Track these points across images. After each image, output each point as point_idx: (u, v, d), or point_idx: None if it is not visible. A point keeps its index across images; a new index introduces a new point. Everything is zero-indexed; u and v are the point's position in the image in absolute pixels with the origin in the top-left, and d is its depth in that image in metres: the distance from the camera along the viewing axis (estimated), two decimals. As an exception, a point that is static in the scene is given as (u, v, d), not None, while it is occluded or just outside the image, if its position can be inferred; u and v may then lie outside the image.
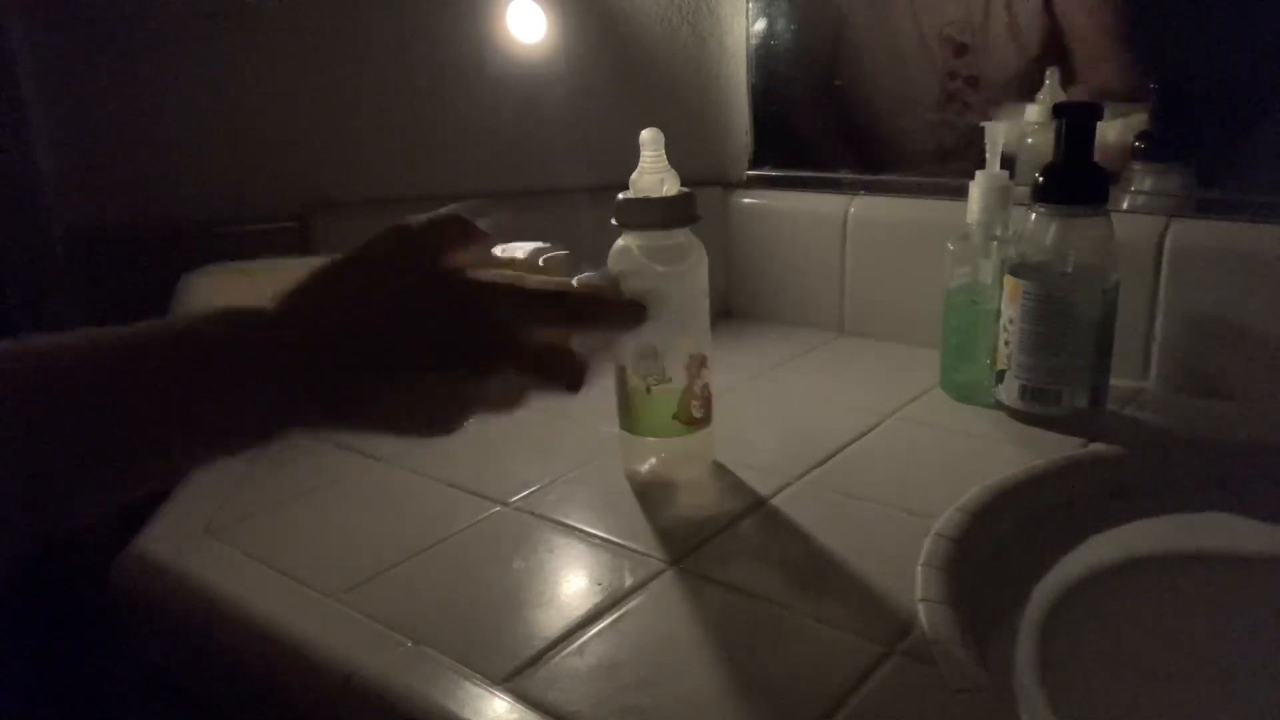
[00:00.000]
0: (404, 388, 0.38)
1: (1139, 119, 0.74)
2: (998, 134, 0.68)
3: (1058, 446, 0.63)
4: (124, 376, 0.34)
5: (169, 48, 0.78)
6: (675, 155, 0.58)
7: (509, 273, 0.45)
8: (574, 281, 0.47)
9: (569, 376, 0.41)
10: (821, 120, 0.94)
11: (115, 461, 0.34)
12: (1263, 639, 0.50)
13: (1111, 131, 0.73)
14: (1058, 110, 0.65)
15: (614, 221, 0.58)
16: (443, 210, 0.42)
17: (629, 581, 0.51)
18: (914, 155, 0.88)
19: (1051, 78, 0.77)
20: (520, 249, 0.48)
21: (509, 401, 0.41)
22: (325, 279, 0.39)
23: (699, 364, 0.59)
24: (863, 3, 0.89)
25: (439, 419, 0.40)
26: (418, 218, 0.41)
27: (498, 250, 0.46)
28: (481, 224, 0.42)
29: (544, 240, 0.50)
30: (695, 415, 0.60)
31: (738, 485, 0.61)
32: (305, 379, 0.36)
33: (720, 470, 0.63)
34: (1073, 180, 0.64)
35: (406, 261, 0.40)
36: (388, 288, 0.39)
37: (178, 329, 0.36)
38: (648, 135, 0.57)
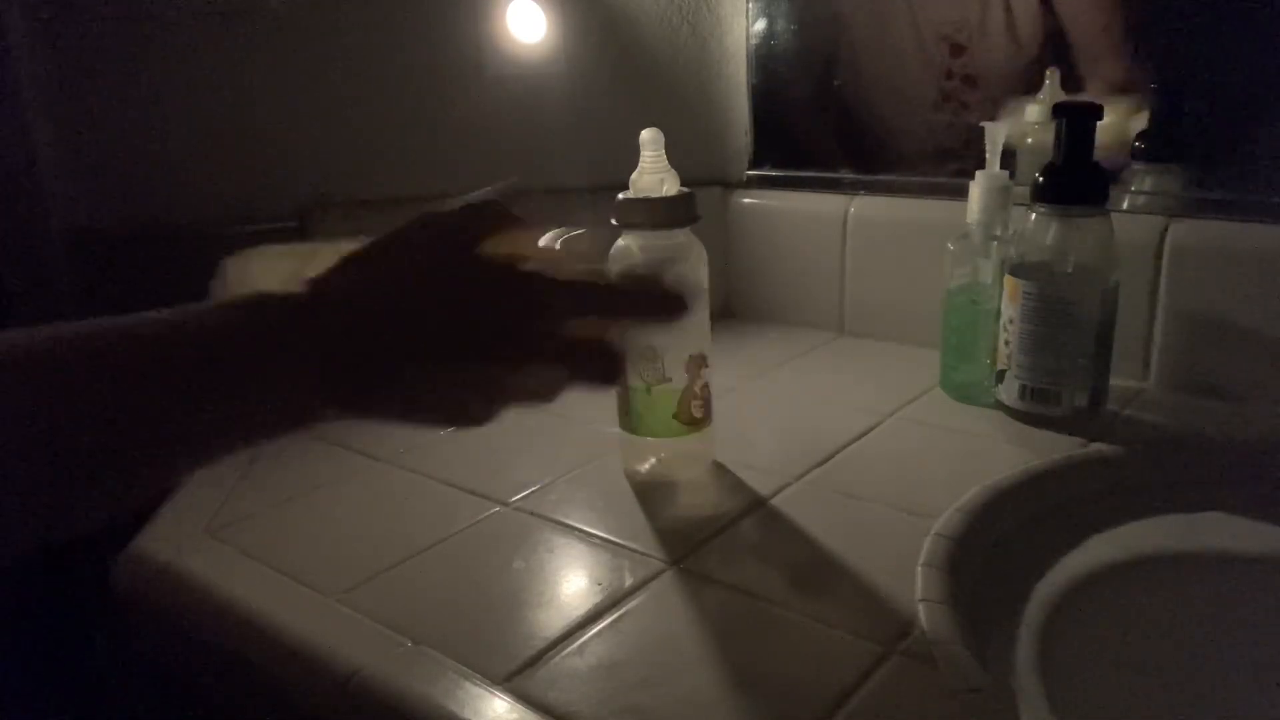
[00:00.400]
0: (436, 377, 0.38)
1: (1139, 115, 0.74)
2: (998, 134, 0.68)
3: (1058, 446, 0.63)
4: (146, 364, 0.33)
5: (169, 48, 0.78)
6: (675, 155, 0.58)
7: (545, 261, 0.43)
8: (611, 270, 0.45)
9: (605, 369, 0.40)
10: (821, 120, 0.94)
11: (135, 452, 0.33)
12: (1263, 639, 0.50)
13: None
14: (1058, 110, 0.64)
15: (614, 221, 0.58)
16: (479, 195, 0.41)
17: (629, 581, 0.51)
18: (914, 155, 0.88)
19: (1051, 78, 0.77)
20: (545, 236, 0.47)
21: (544, 393, 0.40)
22: (358, 263, 0.38)
23: (699, 364, 0.59)
24: (862, 3, 0.89)
25: (472, 409, 0.39)
26: (454, 203, 0.40)
27: (544, 239, 0.44)
28: (518, 210, 0.41)
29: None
30: (695, 415, 0.60)
31: (738, 485, 0.61)
32: (335, 365, 0.36)
33: (720, 470, 0.63)
34: (1073, 180, 0.64)
35: (442, 248, 0.39)
36: (422, 275, 0.38)
37: (203, 314, 0.35)
38: (648, 135, 0.57)
